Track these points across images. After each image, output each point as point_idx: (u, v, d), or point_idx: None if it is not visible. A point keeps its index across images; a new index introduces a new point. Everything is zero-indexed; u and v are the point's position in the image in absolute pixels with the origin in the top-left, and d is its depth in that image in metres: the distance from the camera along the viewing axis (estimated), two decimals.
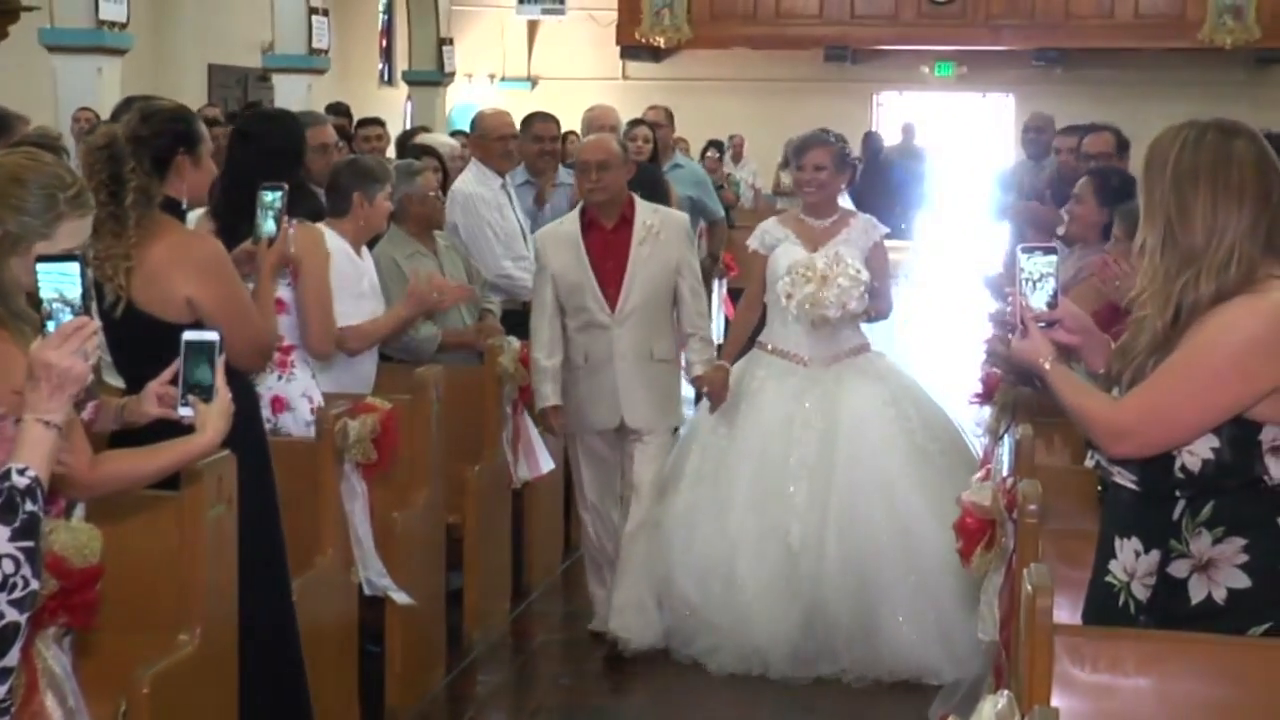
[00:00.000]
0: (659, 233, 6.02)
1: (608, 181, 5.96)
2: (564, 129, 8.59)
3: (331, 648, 4.98)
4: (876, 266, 6.05)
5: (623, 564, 6.03)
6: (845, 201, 6.71)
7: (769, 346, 6.15)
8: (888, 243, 6.25)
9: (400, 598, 5.24)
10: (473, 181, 7.49)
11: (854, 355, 6.10)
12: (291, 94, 16.23)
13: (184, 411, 3.29)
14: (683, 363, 6.24)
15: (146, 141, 4.18)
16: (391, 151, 9.74)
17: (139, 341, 4.13)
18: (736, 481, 5.92)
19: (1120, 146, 7.00)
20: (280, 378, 5.14)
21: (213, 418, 3.27)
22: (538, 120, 8.04)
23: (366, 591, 5.12)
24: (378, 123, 10.32)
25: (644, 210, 6.10)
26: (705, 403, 6.15)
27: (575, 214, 6.15)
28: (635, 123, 8.97)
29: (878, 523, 5.76)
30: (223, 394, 3.27)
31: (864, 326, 6.16)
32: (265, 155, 5.08)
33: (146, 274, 4.15)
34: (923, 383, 6.37)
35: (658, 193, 8.31)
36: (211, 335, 3.28)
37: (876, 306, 6.08)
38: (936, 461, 5.91)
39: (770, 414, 5.98)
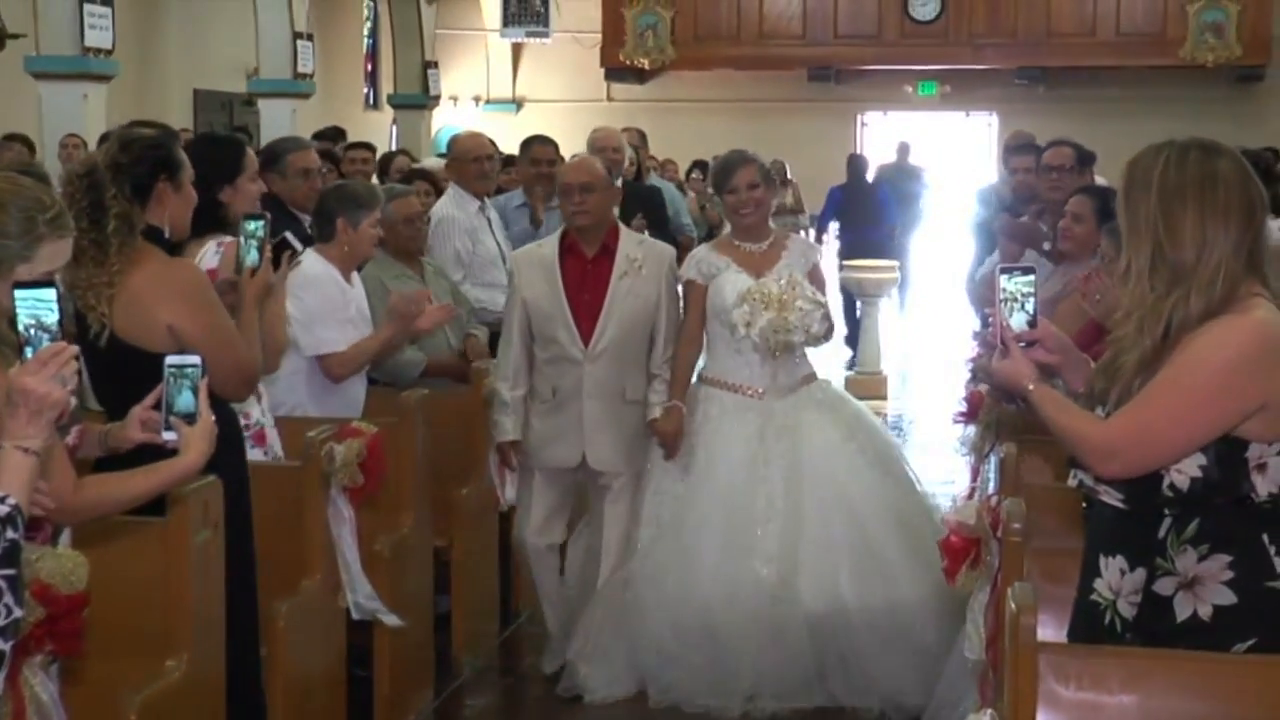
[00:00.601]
0: (641, 266, 5.75)
1: (592, 204, 5.71)
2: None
3: (319, 671, 4.97)
4: (817, 288, 5.86)
5: (596, 617, 5.83)
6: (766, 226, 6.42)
7: (720, 381, 5.87)
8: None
9: (390, 620, 5.22)
10: (449, 205, 7.46)
11: (806, 384, 5.91)
12: (277, 118, 16.26)
13: (168, 436, 3.30)
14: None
15: (126, 169, 4.14)
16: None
17: (122, 371, 4.08)
18: (705, 529, 5.69)
19: (1081, 160, 6.89)
20: None
21: (196, 440, 3.27)
22: (536, 143, 8.07)
23: (355, 615, 5.11)
24: (367, 147, 10.36)
25: (628, 241, 5.84)
26: (657, 446, 5.82)
27: (555, 238, 5.90)
28: None
29: (851, 557, 5.64)
30: (205, 416, 3.27)
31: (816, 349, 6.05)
32: None
33: (127, 302, 4.09)
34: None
35: (655, 208, 8.40)
36: (194, 359, 3.29)
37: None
38: (892, 490, 5.81)
39: (731, 457, 5.74)
